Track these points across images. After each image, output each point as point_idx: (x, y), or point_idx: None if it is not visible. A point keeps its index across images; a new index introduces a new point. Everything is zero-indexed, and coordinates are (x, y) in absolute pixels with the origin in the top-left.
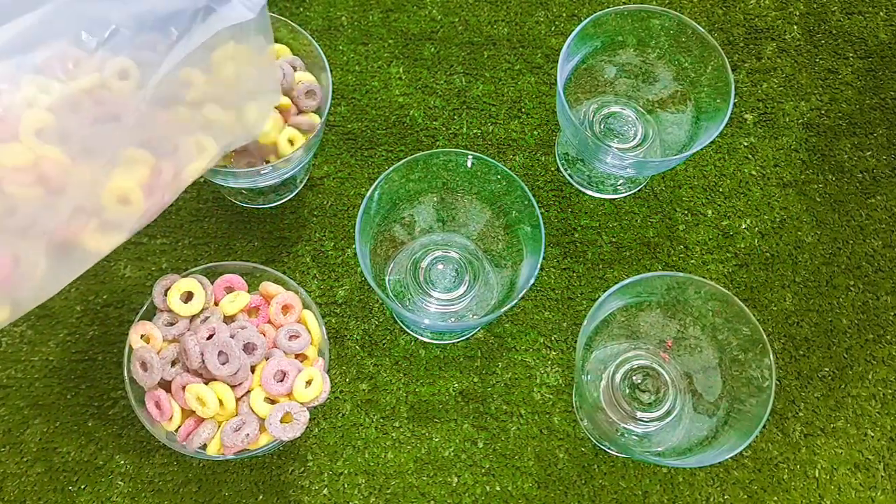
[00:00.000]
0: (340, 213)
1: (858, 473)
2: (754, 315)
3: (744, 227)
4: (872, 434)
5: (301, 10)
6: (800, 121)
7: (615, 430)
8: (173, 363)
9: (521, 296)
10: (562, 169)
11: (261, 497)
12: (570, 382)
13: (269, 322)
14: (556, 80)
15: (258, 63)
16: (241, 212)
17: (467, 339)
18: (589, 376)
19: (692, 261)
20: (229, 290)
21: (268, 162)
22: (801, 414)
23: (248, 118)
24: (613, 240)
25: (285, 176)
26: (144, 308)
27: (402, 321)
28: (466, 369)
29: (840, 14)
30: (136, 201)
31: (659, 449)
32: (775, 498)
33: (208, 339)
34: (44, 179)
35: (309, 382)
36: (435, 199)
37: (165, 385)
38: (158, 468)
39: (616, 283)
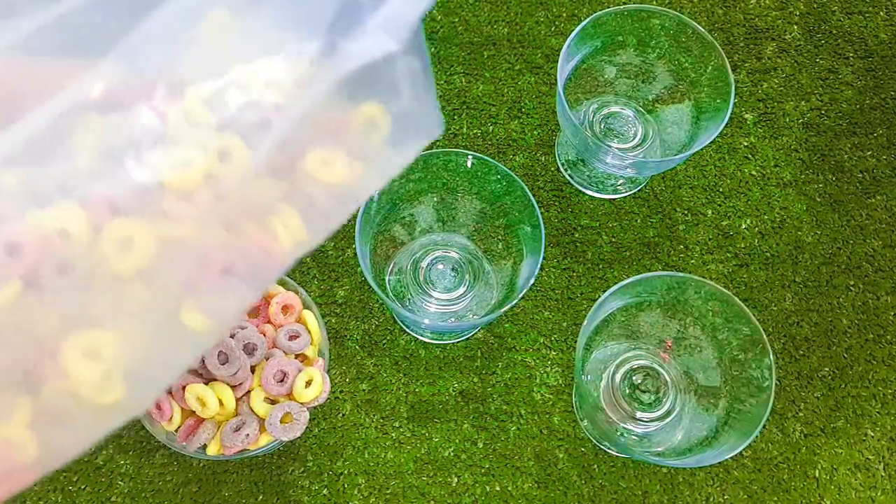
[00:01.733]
0: None
1: (858, 473)
2: (754, 315)
3: (744, 226)
4: (872, 434)
5: None
6: (800, 121)
7: (615, 431)
8: None
9: (521, 296)
10: (562, 169)
11: (260, 497)
12: (570, 382)
13: (269, 322)
14: (556, 80)
15: (410, 104)
16: None
17: (467, 339)
18: (589, 376)
19: (692, 261)
20: None
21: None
22: (801, 414)
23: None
24: (613, 240)
25: None
26: None
27: (402, 321)
28: (466, 369)
29: (840, 14)
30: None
31: (659, 449)
32: (775, 498)
33: None
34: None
35: (309, 383)
36: (435, 199)
37: None
38: (158, 468)
39: (616, 282)
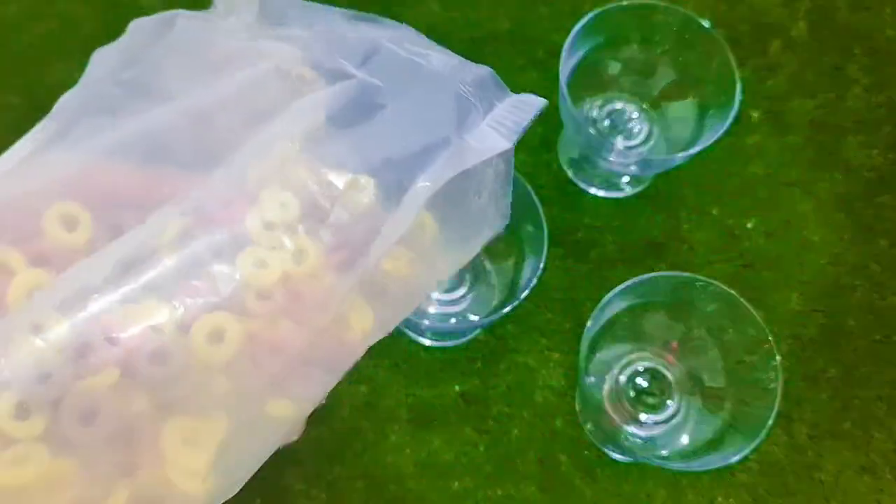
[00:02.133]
0: None
1: (865, 476)
2: (760, 316)
3: (749, 226)
4: (879, 436)
5: None
6: (806, 118)
7: (619, 434)
8: None
9: (523, 297)
10: (564, 167)
11: (258, 502)
12: (574, 385)
13: None
14: (558, 76)
15: (486, 203)
16: None
17: (468, 340)
18: (592, 378)
19: (697, 261)
20: None
21: None
22: (806, 416)
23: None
24: (617, 239)
25: None
26: None
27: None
28: (467, 371)
29: (846, 10)
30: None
31: (664, 452)
32: (780, 501)
33: None
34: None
35: None
36: None
37: None
38: None
39: (620, 283)
